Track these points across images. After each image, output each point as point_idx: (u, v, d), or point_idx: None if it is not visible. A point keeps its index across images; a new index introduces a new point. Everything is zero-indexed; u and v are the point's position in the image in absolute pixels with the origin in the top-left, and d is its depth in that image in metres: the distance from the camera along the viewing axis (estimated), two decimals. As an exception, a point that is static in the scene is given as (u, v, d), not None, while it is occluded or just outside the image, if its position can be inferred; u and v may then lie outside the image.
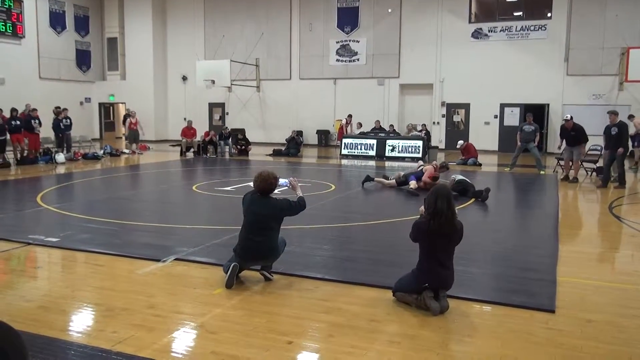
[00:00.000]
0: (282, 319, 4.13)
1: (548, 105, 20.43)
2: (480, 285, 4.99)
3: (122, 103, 27.09)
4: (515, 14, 21.22)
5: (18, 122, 15.39)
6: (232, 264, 4.76)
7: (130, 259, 5.65)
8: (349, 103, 22.83)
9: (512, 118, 20.83)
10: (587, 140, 12.70)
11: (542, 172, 13.90)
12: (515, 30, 20.73)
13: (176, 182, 12.90)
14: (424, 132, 19.64)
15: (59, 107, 17.31)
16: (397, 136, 19.06)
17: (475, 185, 10.01)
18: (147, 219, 7.91)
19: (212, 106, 26.34)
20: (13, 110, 15.57)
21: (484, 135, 21.14)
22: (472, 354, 3.55)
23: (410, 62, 22.27)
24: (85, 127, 24.10)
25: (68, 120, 17.06)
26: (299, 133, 21.60)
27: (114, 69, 27.39)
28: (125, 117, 21.91)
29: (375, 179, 11.48)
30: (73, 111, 19.79)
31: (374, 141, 18.64)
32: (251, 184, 5.05)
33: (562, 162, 13.32)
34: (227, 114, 26.01)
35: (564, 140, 12.71)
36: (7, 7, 21.95)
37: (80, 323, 4.06)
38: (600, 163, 12.98)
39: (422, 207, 4.43)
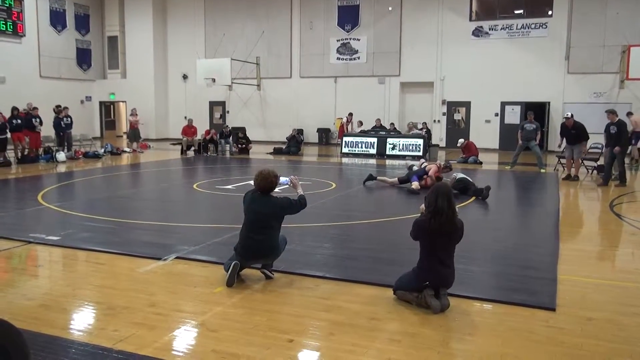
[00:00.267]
0: (283, 317, 4.13)
1: (549, 103, 20.41)
2: (481, 283, 5.00)
3: (122, 102, 27.11)
4: (516, 12, 21.18)
5: (19, 121, 15.40)
6: (233, 263, 4.76)
7: (131, 257, 5.65)
8: (349, 101, 22.82)
9: (513, 116, 20.82)
10: (588, 138, 12.68)
11: (542, 171, 13.89)
12: (516, 29, 20.70)
13: (177, 181, 12.91)
14: (424, 130, 19.63)
15: (59, 106, 17.31)
16: (398, 134, 19.05)
17: (475, 184, 10.01)
18: (148, 218, 7.91)
19: (212, 105, 26.35)
20: (14, 109, 15.58)
21: (484, 134, 21.12)
22: (472, 352, 3.55)
23: (410, 61, 22.25)
24: (86, 126, 24.09)
25: (69, 119, 17.06)
26: (300, 131, 21.58)
27: (114, 68, 27.38)
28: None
29: (378, 177, 11.49)
30: (74, 110, 19.82)
31: (374, 139, 18.64)
32: (252, 182, 5.05)
33: (563, 161, 13.31)
34: (228, 112, 26.01)
35: (564, 139, 12.71)
36: (7, 5, 21.94)
37: (81, 321, 4.07)
38: (601, 161, 12.97)
39: (423, 206, 4.43)
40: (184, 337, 3.75)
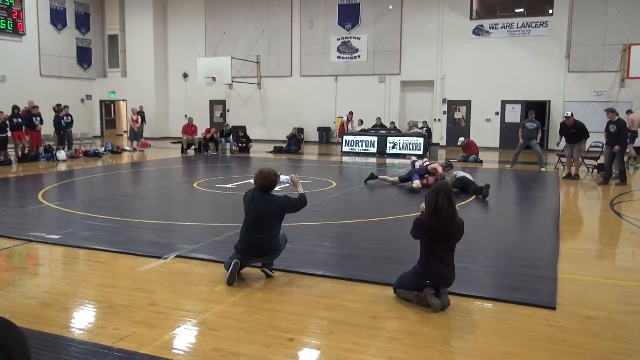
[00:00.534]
0: (283, 315, 4.14)
1: (549, 102, 20.40)
2: (481, 282, 5.00)
3: (123, 100, 27.11)
4: (517, 10, 21.15)
5: (19, 120, 15.40)
6: (233, 261, 4.77)
7: (132, 256, 5.66)
8: (349, 100, 22.80)
9: (513, 115, 20.81)
10: (589, 136, 12.68)
11: (543, 169, 13.89)
12: (517, 27, 20.69)
13: (177, 180, 12.90)
14: (424, 129, 19.62)
15: (60, 105, 17.30)
16: (398, 133, 19.05)
17: (476, 182, 10.00)
18: (148, 216, 7.91)
19: (213, 103, 26.34)
20: (14, 107, 15.58)
21: (485, 132, 21.11)
22: (473, 350, 3.56)
23: (411, 59, 22.24)
24: (86, 125, 24.10)
25: (69, 118, 17.06)
26: (300, 130, 21.58)
27: (114, 66, 27.37)
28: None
29: (380, 176, 11.50)
30: (74, 108, 19.82)
31: (375, 138, 18.64)
32: (252, 181, 5.05)
33: (563, 160, 13.31)
34: (228, 111, 26.01)
35: (564, 138, 12.70)
36: (7, 4, 21.92)
37: (82, 320, 4.07)
38: (601, 160, 12.97)
39: (423, 204, 4.43)
40: (185, 336, 3.75)
